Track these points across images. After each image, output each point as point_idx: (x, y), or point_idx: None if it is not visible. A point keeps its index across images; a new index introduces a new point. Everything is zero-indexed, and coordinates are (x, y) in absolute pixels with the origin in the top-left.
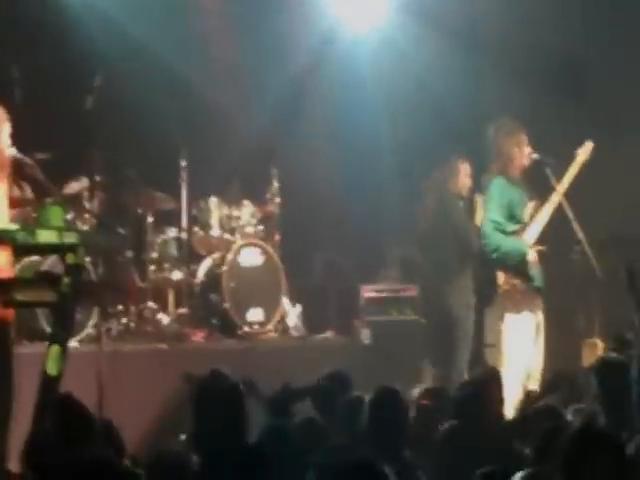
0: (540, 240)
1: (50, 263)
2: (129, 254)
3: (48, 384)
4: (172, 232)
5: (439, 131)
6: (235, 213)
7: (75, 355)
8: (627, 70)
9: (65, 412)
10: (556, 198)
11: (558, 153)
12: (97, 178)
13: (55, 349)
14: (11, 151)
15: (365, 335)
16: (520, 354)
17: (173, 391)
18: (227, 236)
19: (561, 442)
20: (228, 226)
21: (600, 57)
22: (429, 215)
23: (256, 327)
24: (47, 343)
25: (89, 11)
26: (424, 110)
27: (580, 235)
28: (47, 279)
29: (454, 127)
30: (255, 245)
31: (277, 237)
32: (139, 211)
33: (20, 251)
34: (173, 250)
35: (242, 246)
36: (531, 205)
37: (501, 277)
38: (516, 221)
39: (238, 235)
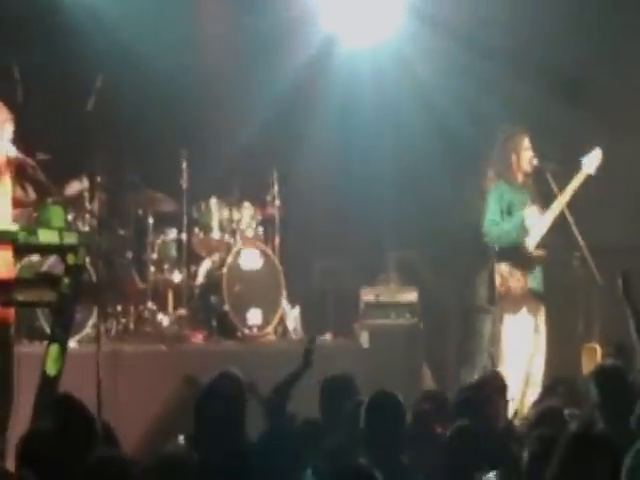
0: (540, 246)
1: (50, 263)
2: (129, 255)
3: (47, 384)
4: (172, 233)
5: (440, 135)
6: (235, 215)
7: (74, 355)
8: (629, 77)
9: (65, 412)
10: (558, 207)
11: (562, 158)
12: (98, 179)
13: (54, 349)
14: (12, 151)
15: (364, 338)
16: (518, 356)
17: (172, 392)
18: (227, 238)
19: (557, 447)
20: (228, 228)
21: (603, 63)
22: None
23: (255, 329)
24: (46, 343)
25: (91, 12)
26: (425, 114)
27: (580, 241)
28: (47, 279)
29: (455, 131)
30: (255, 247)
31: (277, 240)
32: (139, 212)
33: (21, 251)
34: (173, 251)
35: (242, 248)
36: (534, 209)
37: (498, 279)
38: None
39: (238, 237)
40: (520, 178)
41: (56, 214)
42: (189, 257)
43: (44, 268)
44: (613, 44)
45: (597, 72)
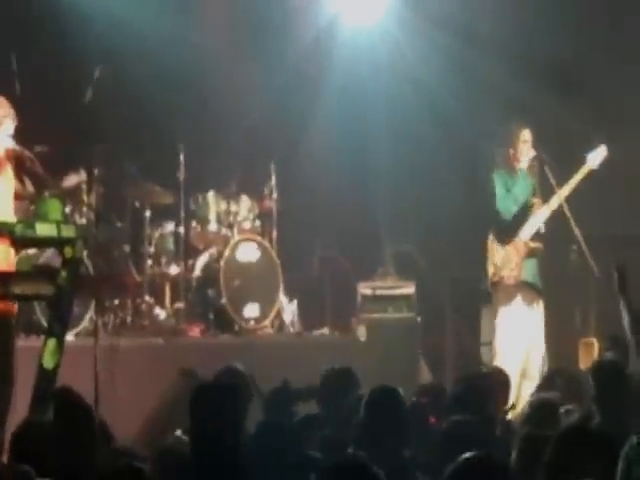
0: (537, 238)
1: (47, 256)
2: (126, 248)
3: (45, 377)
4: (170, 226)
5: (436, 126)
6: (233, 208)
7: (71, 349)
8: (626, 68)
9: (65, 405)
10: (557, 201)
11: (557, 149)
12: (95, 172)
13: (52, 342)
14: (10, 143)
15: (361, 332)
16: (514, 348)
17: (169, 386)
18: (224, 231)
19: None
20: (226, 221)
21: (599, 54)
22: None
23: (252, 323)
24: (44, 337)
25: (89, 3)
26: (422, 107)
27: (577, 234)
28: (45, 272)
29: (451, 123)
30: (252, 240)
31: (274, 233)
32: (137, 205)
33: (18, 244)
34: (170, 244)
35: (239, 241)
36: (536, 201)
37: (491, 268)
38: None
39: (236, 230)
40: (519, 170)
41: (54, 207)
42: (186, 250)
43: (41, 261)
44: (612, 36)
45: (591, 63)
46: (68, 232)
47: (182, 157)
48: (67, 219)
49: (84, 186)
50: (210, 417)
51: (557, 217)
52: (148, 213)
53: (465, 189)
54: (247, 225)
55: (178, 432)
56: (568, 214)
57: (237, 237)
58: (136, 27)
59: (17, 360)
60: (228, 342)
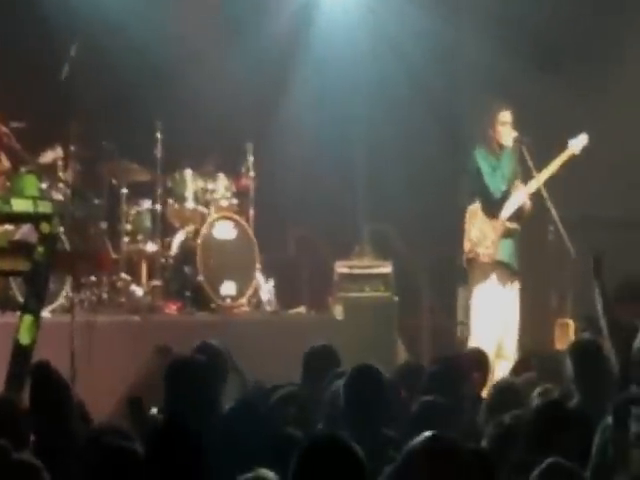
0: (514, 219)
1: (24, 232)
2: (103, 225)
3: (20, 353)
4: (146, 204)
5: (416, 105)
6: (210, 186)
7: (47, 325)
8: (609, 50)
9: (42, 380)
10: (535, 185)
11: (539, 132)
12: (72, 148)
13: (28, 319)
14: None
15: (338, 311)
16: (488, 327)
17: (145, 363)
18: (201, 209)
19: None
20: (203, 199)
21: (579, 34)
22: None
23: (229, 301)
24: (20, 312)
25: None
26: (401, 83)
27: (555, 215)
28: (21, 248)
29: (432, 99)
30: (229, 219)
31: (251, 211)
32: (113, 182)
33: None
34: (147, 222)
35: (216, 219)
36: (516, 182)
37: (467, 245)
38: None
39: (213, 208)
40: (499, 150)
41: (30, 183)
42: (163, 228)
43: (17, 236)
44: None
45: (573, 44)
46: (44, 208)
47: (159, 135)
48: (43, 195)
49: (60, 162)
50: (183, 392)
51: (535, 198)
52: (125, 190)
53: (445, 167)
54: (224, 203)
55: (154, 410)
56: (546, 195)
57: (214, 215)
58: (113, 5)
59: None
60: (205, 320)
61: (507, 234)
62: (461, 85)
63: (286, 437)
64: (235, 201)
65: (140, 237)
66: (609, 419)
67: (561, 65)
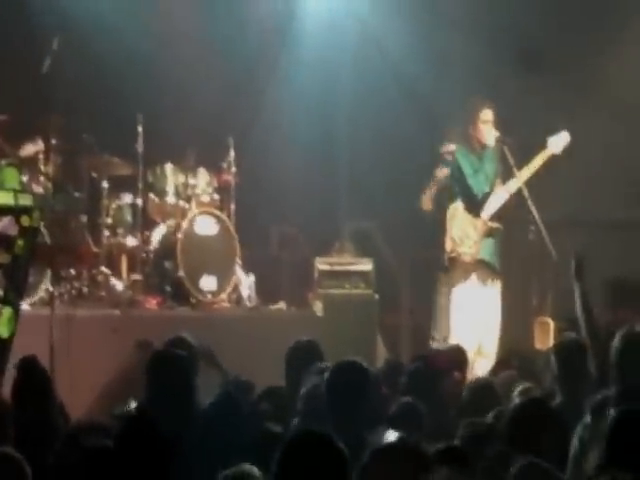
0: (495, 219)
1: (4, 225)
2: (83, 218)
3: (0, 346)
4: (127, 198)
5: (401, 101)
6: (191, 181)
7: (27, 318)
8: (585, 53)
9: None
10: (517, 183)
11: (521, 131)
12: (53, 141)
13: (7, 311)
14: None
15: (318, 307)
16: (468, 326)
17: (125, 357)
18: (182, 204)
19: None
20: (184, 194)
21: (561, 37)
22: None
23: (209, 296)
24: None
25: None
26: (386, 82)
27: (536, 215)
28: (1, 240)
29: (416, 99)
30: (210, 214)
31: (232, 206)
32: (94, 176)
33: None
34: (128, 216)
35: (197, 214)
36: (497, 181)
37: (449, 244)
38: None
39: (194, 203)
40: (480, 149)
41: (10, 175)
42: (144, 222)
43: None
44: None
45: (556, 43)
46: (25, 201)
47: (140, 129)
48: (24, 188)
49: (41, 155)
50: (164, 386)
51: (516, 198)
52: (106, 184)
53: (429, 167)
54: (205, 198)
55: (133, 404)
56: (526, 196)
57: (195, 210)
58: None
59: None
60: (185, 315)
61: (489, 233)
62: (446, 86)
63: (267, 432)
64: (216, 196)
65: (120, 231)
66: (587, 418)
67: (543, 66)
